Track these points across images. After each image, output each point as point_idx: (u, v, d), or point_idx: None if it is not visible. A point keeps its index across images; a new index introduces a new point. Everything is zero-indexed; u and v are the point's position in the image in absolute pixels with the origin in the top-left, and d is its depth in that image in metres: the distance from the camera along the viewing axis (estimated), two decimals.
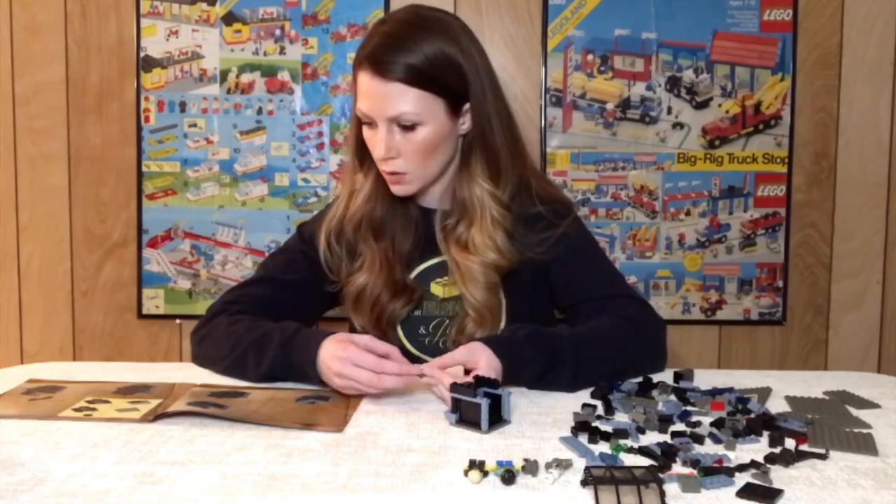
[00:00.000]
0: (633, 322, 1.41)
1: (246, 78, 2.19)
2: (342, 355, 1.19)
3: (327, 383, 1.23)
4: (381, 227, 1.49)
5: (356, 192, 1.50)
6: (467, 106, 1.42)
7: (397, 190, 1.44)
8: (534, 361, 1.28)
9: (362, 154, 1.48)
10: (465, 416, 1.11)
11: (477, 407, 1.09)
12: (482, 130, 1.43)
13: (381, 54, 1.35)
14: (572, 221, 1.50)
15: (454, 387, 1.12)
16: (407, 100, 1.35)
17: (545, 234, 1.47)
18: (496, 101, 1.45)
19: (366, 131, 1.42)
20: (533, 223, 1.47)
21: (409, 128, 1.38)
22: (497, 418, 1.10)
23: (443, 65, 1.37)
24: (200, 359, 1.42)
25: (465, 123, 1.43)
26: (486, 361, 1.23)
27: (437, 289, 1.50)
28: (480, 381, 1.12)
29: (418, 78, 1.35)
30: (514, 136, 1.49)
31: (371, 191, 1.48)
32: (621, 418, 1.14)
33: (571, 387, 1.29)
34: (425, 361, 1.47)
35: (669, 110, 2.20)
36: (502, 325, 1.46)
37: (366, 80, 1.37)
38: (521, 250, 1.45)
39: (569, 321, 1.49)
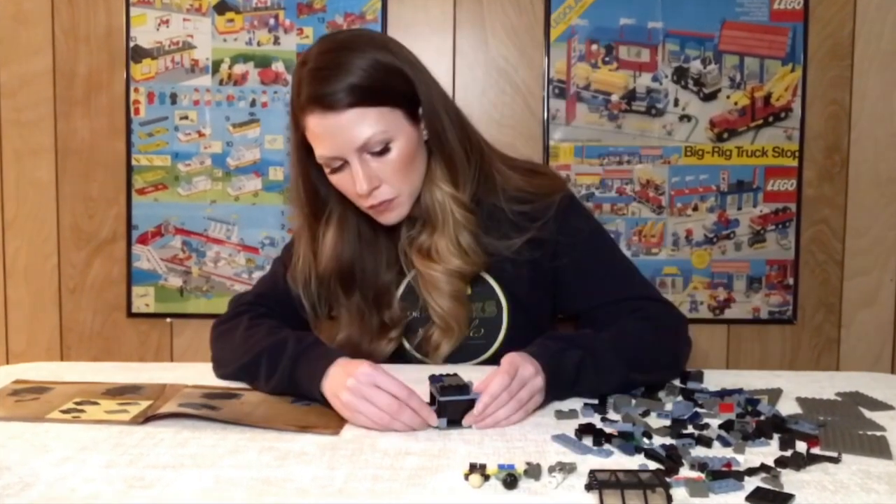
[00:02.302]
0: (660, 327, 1.39)
1: (239, 69, 2.19)
2: (353, 386, 1.13)
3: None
4: (350, 277, 1.46)
5: (319, 248, 1.46)
6: (420, 110, 1.39)
7: (389, 217, 1.41)
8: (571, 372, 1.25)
9: (316, 206, 1.45)
10: (450, 416, 1.12)
11: (463, 405, 1.11)
12: (436, 131, 1.41)
13: (321, 89, 1.31)
14: (556, 214, 1.46)
15: (442, 389, 1.13)
16: (369, 123, 1.32)
17: (514, 237, 1.44)
18: (442, 99, 1.43)
19: (333, 178, 1.38)
20: (498, 221, 1.46)
21: (381, 151, 1.34)
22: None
23: (383, 73, 1.34)
24: (216, 359, 1.41)
25: (424, 129, 1.41)
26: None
27: None
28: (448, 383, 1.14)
29: (369, 96, 1.32)
30: (467, 132, 1.46)
31: (334, 240, 1.45)
32: (622, 419, 1.14)
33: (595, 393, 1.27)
34: (420, 360, 1.49)
35: (676, 102, 2.19)
36: (467, 331, 1.46)
37: (316, 121, 1.32)
38: (489, 252, 1.44)
39: (585, 326, 1.46)
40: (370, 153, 1.34)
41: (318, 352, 1.25)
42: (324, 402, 1.18)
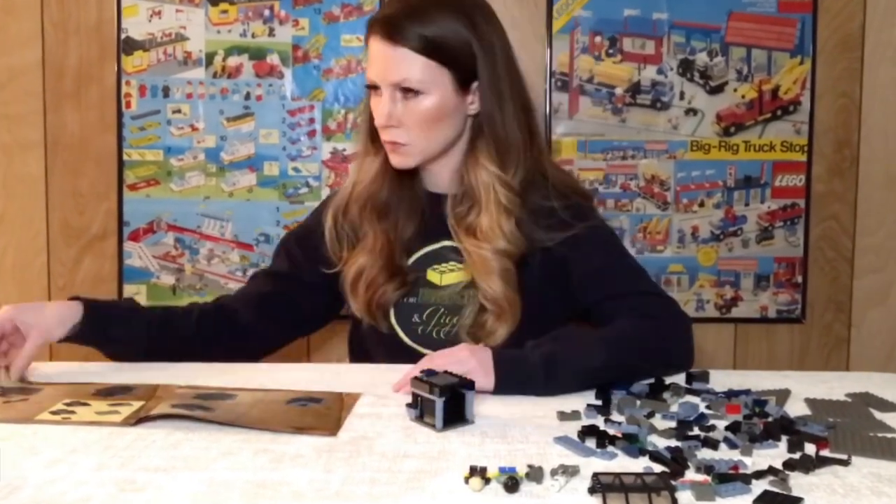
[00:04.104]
0: (655, 321, 1.42)
1: (233, 61, 2.19)
2: None
3: None
4: (385, 209, 1.54)
5: (364, 173, 1.55)
6: (475, 84, 1.47)
7: (396, 161, 1.49)
8: (534, 368, 1.28)
9: (374, 133, 1.52)
10: (424, 412, 1.13)
11: (432, 404, 1.10)
12: (490, 112, 1.48)
13: (393, 20, 1.43)
14: (592, 224, 1.52)
15: (414, 381, 1.13)
16: (413, 66, 1.43)
17: (557, 232, 1.49)
18: (512, 84, 1.50)
19: (371, 100, 1.48)
20: (546, 217, 1.49)
21: (412, 96, 1.43)
22: (458, 417, 1.12)
23: (452, 37, 1.45)
24: None
25: (474, 103, 1.49)
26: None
27: (433, 276, 1.53)
28: (445, 377, 1.13)
29: (426, 46, 1.42)
30: (530, 124, 1.54)
31: (379, 171, 1.53)
32: (626, 420, 1.14)
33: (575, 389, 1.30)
34: (418, 351, 1.50)
35: (682, 95, 2.19)
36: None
37: (375, 45, 1.45)
38: (529, 240, 1.48)
39: (590, 321, 1.52)
40: (402, 92, 1.44)
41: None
42: None
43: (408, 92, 1.43)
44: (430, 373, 1.15)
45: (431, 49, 1.43)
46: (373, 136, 1.53)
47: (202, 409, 1.15)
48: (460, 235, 1.50)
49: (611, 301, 1.47)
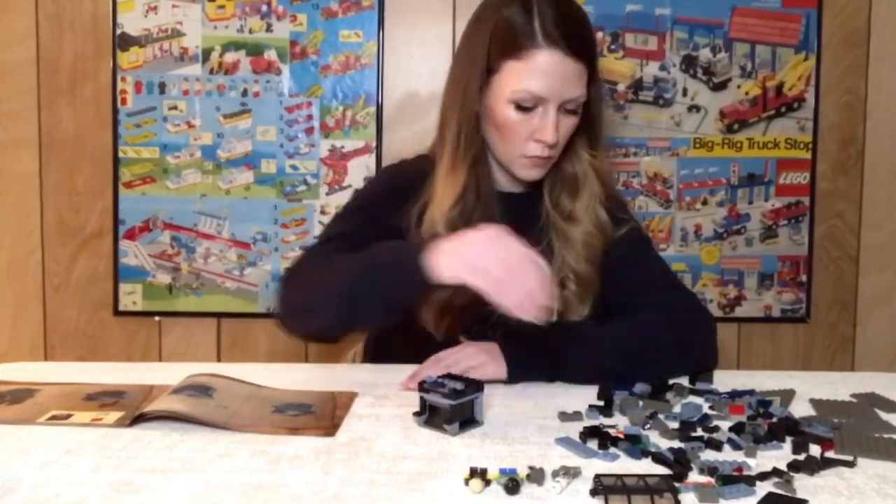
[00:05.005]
0: (678, 317, 1.44)
1: (230, 57, 2.19)
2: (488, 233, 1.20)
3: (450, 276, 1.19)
4: (471, 225, 1.45)
5: (450, 192, 1.45)
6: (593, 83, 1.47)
7: (536, 173, 1.47)
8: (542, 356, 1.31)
9: (467, 146, 1.45)
10: (431, 416, 1.12)
11: (442, 407, 1.10)
12: (599, 108, 1.51)
13: (571, 30, 1.37)
14: (628, 217, 1.56)
15: (421, 386, 1.13)
16: (583, 83, 1.40)
17: (616, 229, 1.52)
18: None
19: (514, 114, 1.40)
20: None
21: (571, 111, 1.41)
22: (467, 420, 1.11)
23: (596, 40, 1.46)
24: (301, 309, 1.35)
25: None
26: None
27: None
28: (454, 379, 1.13)
29: (592, 58, 1.41)
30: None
31: (465, 188, 1.45)
32: (626, 421, 1.14)
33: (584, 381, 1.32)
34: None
35: (685, 92, 2.19)
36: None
37: (550, 59, 1.36)
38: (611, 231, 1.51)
39: (611, 311, 1.50)
40: (566, 109, 1.41)
41: (410, 244, 1.32)
42: (425, 288, 1.22)
43: (572, 107, 1.41)
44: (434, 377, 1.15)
45: (593, 60, 1.41)
46: (466, 145, 1.45)
47: (204, 392, 1.15)
48: (556, 219, 1.51)
49: (633, 294, 1.48)
